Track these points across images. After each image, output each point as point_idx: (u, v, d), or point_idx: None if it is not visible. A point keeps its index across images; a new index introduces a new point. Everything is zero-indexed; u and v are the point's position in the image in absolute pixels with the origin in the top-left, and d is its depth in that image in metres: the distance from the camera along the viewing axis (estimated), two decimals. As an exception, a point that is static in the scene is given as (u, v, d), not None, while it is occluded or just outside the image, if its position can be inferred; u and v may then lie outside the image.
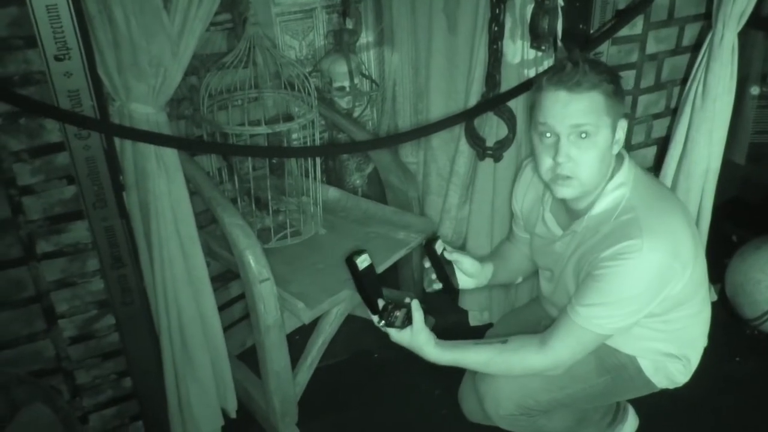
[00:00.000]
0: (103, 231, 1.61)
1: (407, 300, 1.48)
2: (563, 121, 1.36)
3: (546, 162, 1.42)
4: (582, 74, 1.34)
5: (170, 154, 1.63)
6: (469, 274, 1.65)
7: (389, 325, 1.46)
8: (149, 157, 1.59)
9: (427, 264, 1.58)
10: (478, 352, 1.52)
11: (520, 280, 1.88)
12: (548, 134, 1.39)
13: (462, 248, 2.29)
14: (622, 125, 1.44)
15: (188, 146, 1.79)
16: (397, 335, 1.48)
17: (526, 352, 1.50)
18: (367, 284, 1.44)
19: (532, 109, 1.45)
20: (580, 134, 1.36)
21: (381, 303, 1.46)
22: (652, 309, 1.44)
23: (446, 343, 1.51)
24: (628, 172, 1.46)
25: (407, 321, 1.46)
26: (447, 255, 1.57)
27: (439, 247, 1.55)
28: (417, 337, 1.47)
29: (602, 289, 1.40)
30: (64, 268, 1.63)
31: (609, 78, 1.37)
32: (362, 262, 1.42)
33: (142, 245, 1.70)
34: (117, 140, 1.60)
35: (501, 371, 1.55)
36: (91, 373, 1.78)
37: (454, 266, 1.61)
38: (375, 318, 1.47)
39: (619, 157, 1.48)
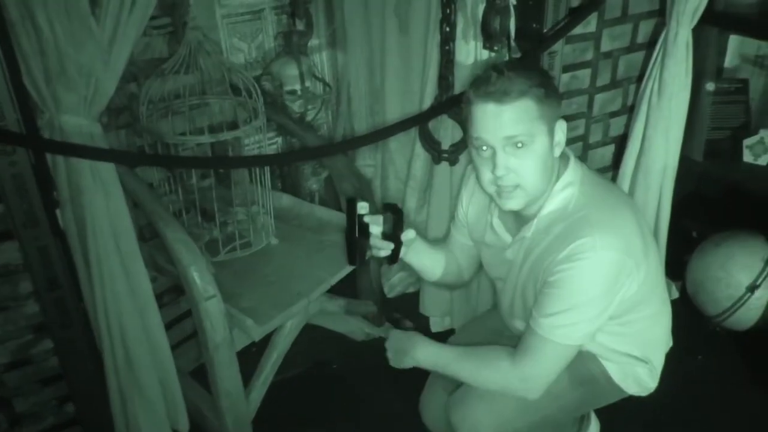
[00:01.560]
0: (35, 251, 1.53)
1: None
2: (496, 134, 1.31)
3: (486, 175, 1.37)
4: (508, 83, 1.28)
5: (107, 168, 1.54)
6: (407, 244, 1.52)
7: (396, 325, 1.59)
8: (83, 172, 1.50)
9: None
10: (454, 348, 1.53)
11: (445, 278, 1.75)
12: (484, 147, 1.35)
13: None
14: (561, 126, 1.39)
15: (124, 160, 1.70)
16: (399, 332, 1.59)
17: (498, 361, 1.45)
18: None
19: (465, 123, 1.39)
20: (515, 144, 1.32)
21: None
22: (611, 311, 1.40)
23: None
24: (574, 171, 1.42)
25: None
26: (368, 219, 1.42)
27: (362, 208, 1.41)
28: (414, 336, 1.56)
29: (561, 295, 1.36)
30: (-6, 292, 1.54)
31: (538, 82, 1.32)
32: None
33: (80, 263, 1.61)
34: (49, 155, 1.52)
35: (470, 371, 1.49)
36: (30, 400, 1.69)
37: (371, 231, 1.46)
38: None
39: (564, 157, 1.44)
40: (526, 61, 1.84)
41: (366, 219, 1.41)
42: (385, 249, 1.44)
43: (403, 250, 1.48)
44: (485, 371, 1.47)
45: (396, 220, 1.42)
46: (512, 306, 1.55)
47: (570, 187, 1.40)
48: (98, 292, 1.60)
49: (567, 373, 1.51)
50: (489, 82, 1.30)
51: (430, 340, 1.54)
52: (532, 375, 1.42)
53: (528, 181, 1.35)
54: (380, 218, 1.43)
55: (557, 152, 1.40)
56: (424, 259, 1.61)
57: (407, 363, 1.53)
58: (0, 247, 1.51)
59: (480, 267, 1.72)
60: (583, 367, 1.56)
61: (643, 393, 1.63)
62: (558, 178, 1.41)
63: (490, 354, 1.48)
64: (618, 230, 1.35)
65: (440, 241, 1.77)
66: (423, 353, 1.51)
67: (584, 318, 1.37)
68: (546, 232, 1.40)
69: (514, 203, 1.37)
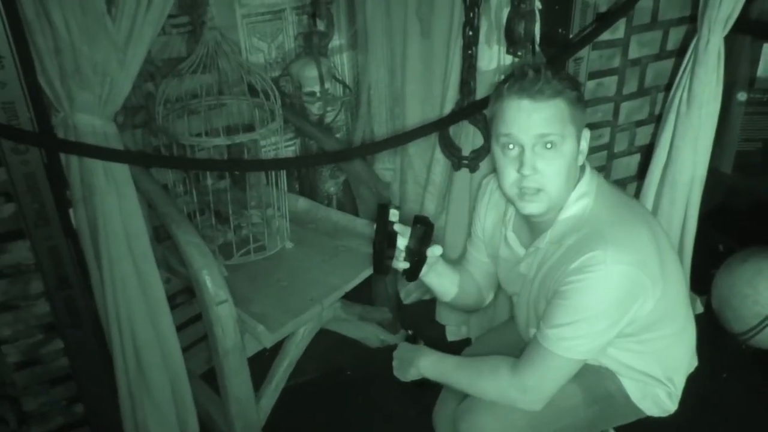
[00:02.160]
0: (46, 251, 1.51)
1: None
2: (527, 132, 1.28)
3: (510, 175, 1.33)
4: (545, 81, 1.26)
5: (120, 169, 1.53)
6: (430, 262, 1.45)
7: (412, 342, 1.59)
8: (96, 172, 1.49)
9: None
10: (457, 357, 1.52)
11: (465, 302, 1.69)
12: (511, 146, 1.31)
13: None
14: (586, 135, 1.37)
15: (138, 161, 1.68)
16: (408, 345, 1.57)
17: (498, 370, 1.42)
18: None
19: (492, 121, 1.36)
20: (545, 144, 1.28)
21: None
22: (624, 329, 1.36)
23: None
24: (590, 181, 1.39)
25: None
26: (398, 228, 1.36)
27: (394, 215, 1.35)
28: (422, 347, 1.55)
29: (568, 306, 1.32)
30: (5, 291, 1.53)
31: (571, 85, 1.30)
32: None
33: (92, 264, 1.60)
34: (62, 154, 1.50)
35: (470, 379, 1.46)
36: (38, 400, 1.68)
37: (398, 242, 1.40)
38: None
39: (581, 168, 1.40)
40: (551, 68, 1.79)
41: (396, 228, 1.35)
42: (406, 263, 1.39)
43: (425, 268, 1.42)
44: (484, 380, 1.44)
45: (426, 233, 1.36)
46: (528, 320, 1.52)
47: (585, 197, 1.37)
48: (109, 293, 1.59)
49: (581, 388, 1.48)
50: (525, 78, 1.27)
51: (435, 350, 1.53)
52: (532, 386, 1.39)
53: (551, 186, 1.31)
54: (409, 230, 1.37)
55: (581, 160, 1.37)
56: (444, 280, 1.56)
57: (411, 375, 1.52)
58: (11, 246, 1.50)
59: (498, 287, 1.68)
60: (599, 383, 1.52)
61: (662, 414, 1.58)
62: (573, 187, 1.37)
63: (491, 363, 1.45)
64: (631, 245, 1.31)
65: (457, 263, 1.71)
66: (426, 362, 1.50)
67: (591, 332, 1.33)
68: (559, 243, 1.37)
69: (534, 207, 1.33)
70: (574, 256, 1.31)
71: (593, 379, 1.51)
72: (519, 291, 1.52)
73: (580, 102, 1.32)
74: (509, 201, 1.42)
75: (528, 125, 1.28)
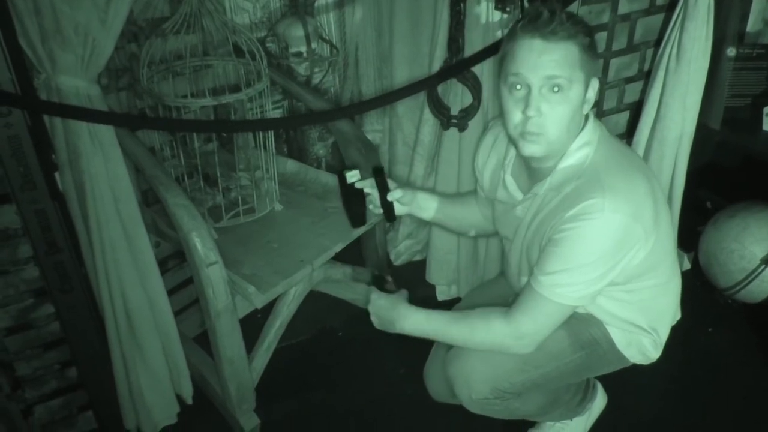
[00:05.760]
0: (33, 215, 1.50)
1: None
2: (536, 72, 1.28)
3: (515, 116, 1.33)
4: (558, 23, 1.26)
5: (105, 131, 1.51)
6: (402, 202, 1.56)
7: (381, 288, 1.54)
8: (81, 134, 1.47)
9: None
10: (442, 313, 1.50)
11: (472, 233, 1.80)
12: (519, 86, 1.31)
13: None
14: (594, 84, 1.36)
15: (123, 122, 1.65)
16: (382, 299, 1.51)
17: (490, 320, 1.44)
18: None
19: (502, 60, 1.35)
20: (552, 87, 1.28)
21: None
22: (615, 277, 1.38)
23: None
24: (593, 131, 1.39)
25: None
26: (359, 185, 1.50)
27: (351, 177, 1.50)
28: (398, 304, 1.49)
29: (563, 254, 1.33)
30: (-7, 256, 1.52)
31: (585, 30, 1.30)
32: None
33: (80, 228, 1.59)
34: (46, 116, 1.48)
35: (462, 334, 1.47)
36: (32, 364, 1.68)
37: (366, 198, 1.54)
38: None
39: (585, 117, 1.40)
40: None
41: (358, 185, 1.49)
42: (379, 208, 1.51)
43: (398, 206, 1.55)
44: (478, 335, 1.46)
45: (378, 181, 1.50)
46: (519, 267, 1.53)
47: (587, 146, 1.38)
48: (99, 257, 1.58)
49: (568, 334, 1.51)
50: (539, 18, 1.27)
51: (415, 308, 1.49)
52: (527, 332, 1.42)
53: (553, 130, 1.32)
54: (371, 181, 1.51)
55: (586, 109, 1.37)
56: (431, 212, 1.65)
57: (395, 330, 1.51)
58: (-2, 210, 1.48)
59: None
60: (585, 330, 1.55)
61: (645, 362, 1.62)
62: (576, 135, 1.37)
63: (482, 317, 1.46)
64: (629, 195, 1.32)
65: (468, 193, 1.80)
66: (411, 323, 1.48)
67: (584, 279, 1.35)
68: (557, 190, 1.38)
69: (535, 148, 1.34)
70: (571, 203, 1.32)
71: (580, 326, 1.54)
72: (512, 235, 1.53)
73: (592, 49, 1.31)
74: (511, 141, 1.43)
75: (537, 65, 1.27)
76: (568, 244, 1.32)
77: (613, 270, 1.36)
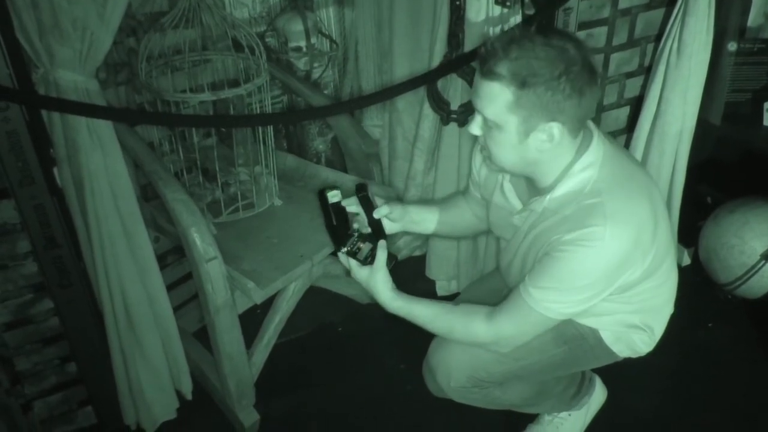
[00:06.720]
0: (32, 210, 1.49)
1: (376, 239, 1.44)
2: (474, 102, 1.30)
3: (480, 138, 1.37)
4: (493, 59, 1.22)
5: (104, 126, 1.50)
6: (392, 218, 1.53)
7: (352, 255, 1.42)
8: (80, 129, 1.47)
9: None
10: (428, 306, 1.47)
11: (468, 235, 1.82)
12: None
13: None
14: (546, 128, 1.25)
15: (121, 117, 1.65)
16: (356, 269, 1.43)
17: (472, 319, 1.44)
18: (335, 219, 1.42)
19: None
20: (485, 121, 1.30)
21: (349, 239, 1.43)
22: (606, 295, 1.37)
23: (401, 293, 1.46)
24: (596, 150, 1.34)
25: (370, 259, 1.41)
26: (344, 203, 1.44)
27: (332, 197, 1.42)
28: (375, 275, 1.41)
29: (558, 273, 1.32)
30: (-8, 251, 1.52)
31: (532, 71, 1.19)
32: (333, 196, 1.42)
33: (79, 223, 1.59)
34: (44, 111, 1.47)
35: (443, 330, 1.48)
36: (31, 360, 1.68)
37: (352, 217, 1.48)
38: (341, 252, 1.43)
39: (588, 133, 1.36)
40: (540, 18, 1.77)
41: (343, 203, 1.43)
42: (366, 227, 1.45)
43: (389, 224, 1.50)
44: (458, 331, 1.46)
45: (362, 198, 1.44)
46: (510, 266, 1.53)
47: (590, 168, 1.33)
48: (98, 253, 1.58)
49: (552, 329, 1.47)
50: (481, 50, 1.25)
51: (396, 294, 1.43)
52: (507, 336, 1.42)
53: (502, 161, 1.34)
54: (354, 199, 1.45)
55: (545, 148, 1.29)
56: (425, 225, 1.64)
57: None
58: (-4, 205, 1.48)
59: None
60: (571, 324, 1.53)
61: (635, 356, 1.61)
62: (580, 156, 1.33)
63: (463, 318, 1.45)
64: (630, 221, 1.30)
65: (449, 198, 1.79)
66: (386, 298, 1.44)
67: (576, 299, 1.35)
68: (555, 211, 1.35)
69: (497, 169, 1.39)
70: (571, 227, 1.29)
71: (566, 321, 1.49)
72: (508, 238, 1.52)
73: (536, 89, 1.20)
74: None
75: (474, 99, 1.30)
76: (563, 265, 1.31)
77: (606, 290, 1.36)
